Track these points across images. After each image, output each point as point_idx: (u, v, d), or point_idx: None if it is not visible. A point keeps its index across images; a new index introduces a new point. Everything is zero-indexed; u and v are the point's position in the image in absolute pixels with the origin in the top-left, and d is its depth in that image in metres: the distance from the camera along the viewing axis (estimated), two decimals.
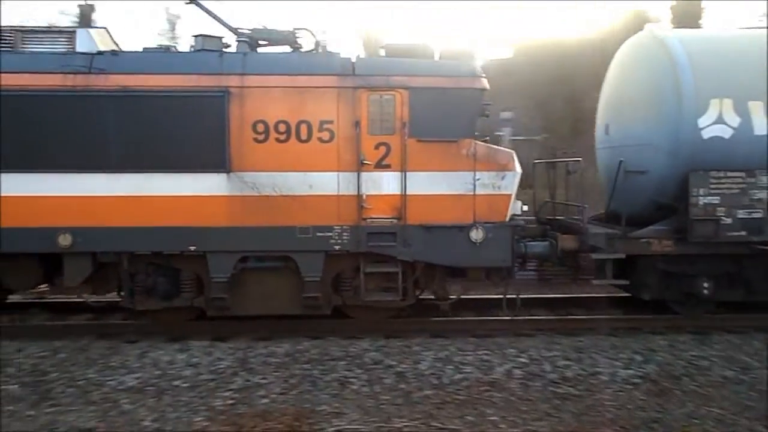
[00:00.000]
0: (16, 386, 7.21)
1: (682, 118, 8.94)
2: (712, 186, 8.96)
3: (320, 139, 8.59)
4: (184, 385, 7.19)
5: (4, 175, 8.42)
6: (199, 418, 6.33)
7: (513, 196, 8.88)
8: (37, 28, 8.85)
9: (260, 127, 8.53)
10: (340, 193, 8.65)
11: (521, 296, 9.57)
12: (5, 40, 8.70)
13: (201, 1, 9.47)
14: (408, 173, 8.67)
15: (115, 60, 8.54)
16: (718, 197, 8.97)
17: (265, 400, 6.76)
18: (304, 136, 8.57)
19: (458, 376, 7.38)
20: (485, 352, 8.11)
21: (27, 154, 8.39)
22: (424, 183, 8.72)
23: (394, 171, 8.69)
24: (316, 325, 9.25)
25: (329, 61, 8.76)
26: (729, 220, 8.98)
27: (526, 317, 9.82)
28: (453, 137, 8.71)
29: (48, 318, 9.97)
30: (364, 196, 8.66)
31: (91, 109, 8.39)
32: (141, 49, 9.10)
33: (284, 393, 6.95)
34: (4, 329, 9.12)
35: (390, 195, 8.72)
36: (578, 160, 9.69)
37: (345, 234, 8.68)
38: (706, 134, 8.93)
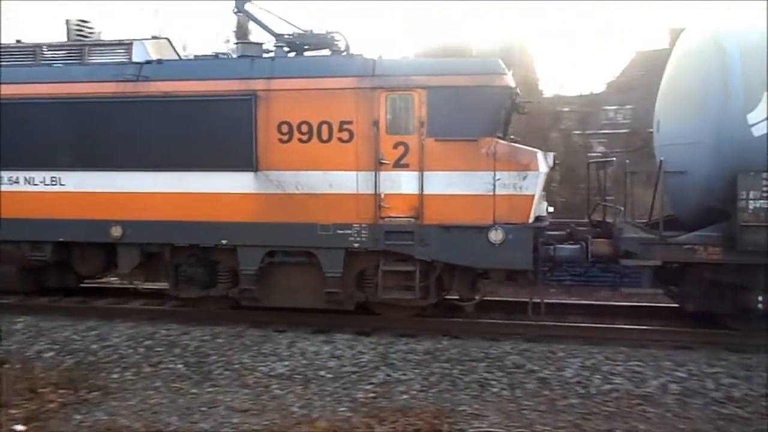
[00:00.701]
0: (182, 366, 7.94)
1: (729, 114, 8.10)
2: (766, 189, 8.05)
3: (340, 139, 8.82)
4: (329, 375, 7.52)
5: (70, 173, 9.55)
6: (343, 409, 6.60)
7: (536, 197, 8.55)
8: (100, 42, 9.90)
9: (284, 128, 8.93)
10: (359, 192, 8.82)
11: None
12: (74, 53, 9.84)
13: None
14: (425, 173, 8.66)
15: (159, 68, 9.34)
16: None
17: (405, 396, 6.91)
18: (325, 136, 8.84)
19: (607, 386, 7.09)
20: (637, 363, 7.66)
21: (87, 154, 9.44)
22: (442, 182, 8.66)
23: (412, 170, 8.72)
24: (459, 325, 9.29)
25: (349, 62, 8.97)
26: None
27: (686, 329, 8.99)
28: (471, 136, 8.56)
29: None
30: (382, 195, 8.77)
31: (139, 113, 9.25)
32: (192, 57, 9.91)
33: (424, 390, 7.06)
34: (174, 312, 10.06)
35: (408, 194, 8.75)
36: (612, 160, 9.11)
37: (363, 232, 8.85)
38: (757, 131, 8.02)
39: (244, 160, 9.01)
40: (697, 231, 8.59)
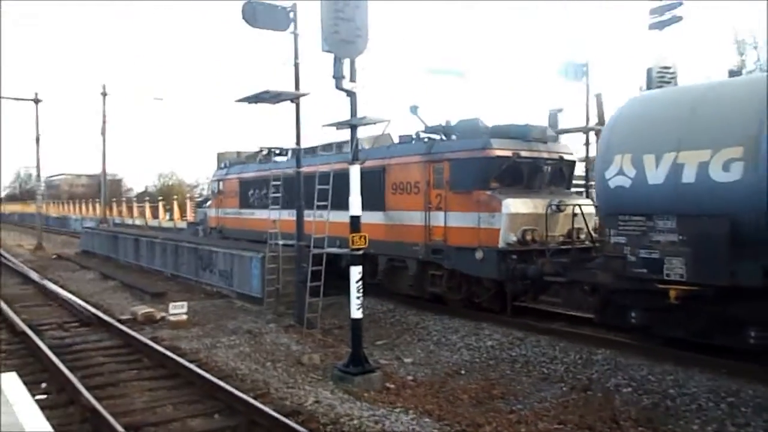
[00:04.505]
0: None
1: (596, 170, 10.81)
2: (620, 227, 10.39)
3: (414, 192, 14.74)
4: None
5: (324, 211, 18.06)
6: None
7: (502, 230, 12.67)
8: (326, 143, 18.16)
9: (393, 186, 15.38)
10: (421, 224, 14.51)
11: None
12: (315, 151, 18.42)
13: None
14: (447, 213, 13.80)
15: None
16: (625, 237, 10.32)
17: None
18: (408, 190, 14.91)
19: None
20: None
21: (333, 202, 17.77)
22: (455, 219, 13.65)
23: (442, 211, 13.96)
24: None
25: (421, 146, 14.81)
26: (633, 258, 10.19)
27: None
28: (469, 189, 13.31)
29: None
30: (430, 226, 14.26)
31: (346, 179, 17.04)
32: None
33: None
34: (758, 373, 8.91)
35: (441, 226, 14.01)
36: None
37: (423, 249, 14.48)
38: (612, 184, 10.48)
39: (380, 204, 15.78)
40: (599, 259, 11.19)
